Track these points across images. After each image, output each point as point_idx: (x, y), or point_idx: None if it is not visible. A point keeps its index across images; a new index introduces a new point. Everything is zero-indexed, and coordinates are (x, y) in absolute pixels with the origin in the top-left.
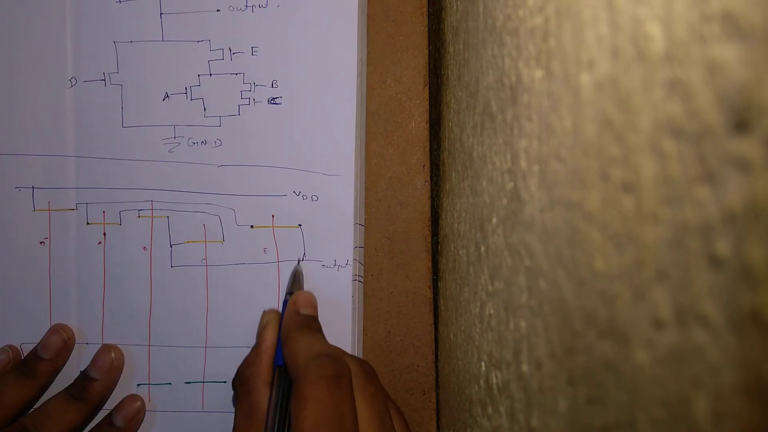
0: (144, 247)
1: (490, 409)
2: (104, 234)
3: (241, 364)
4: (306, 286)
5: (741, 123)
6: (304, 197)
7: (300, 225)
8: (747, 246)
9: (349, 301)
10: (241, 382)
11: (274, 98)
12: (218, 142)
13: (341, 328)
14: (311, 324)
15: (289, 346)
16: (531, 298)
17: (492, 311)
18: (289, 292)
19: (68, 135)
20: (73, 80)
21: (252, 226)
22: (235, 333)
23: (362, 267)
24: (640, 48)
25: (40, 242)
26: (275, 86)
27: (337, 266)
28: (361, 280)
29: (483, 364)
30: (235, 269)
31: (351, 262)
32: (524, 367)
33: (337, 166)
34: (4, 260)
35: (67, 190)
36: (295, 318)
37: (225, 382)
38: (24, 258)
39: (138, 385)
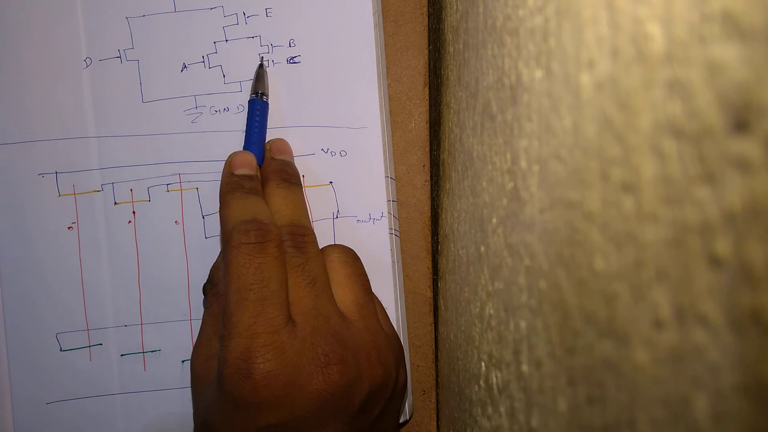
0: (176, 221)
1: (490, 409)
2: (133, 212)
3: (212, 268)
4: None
5: (741, 123)
6: (333, 154)
7: (331, 182)
8: (747, 246)
9: (387, 254)
10: (213, 284)
11: (292, 57)
12: (241, 108)
13: (383, 283)
14: (244, 185)
15: (221, 210)
16: (531, 298)
17: (492, 311)
18: (254, 92)
19: (88, 116)
20: (88, 60)
21: None
22: None
23: (397, 221)
24: (640, 48)
25: (68, 228)
26: (293, 45)
27: (372, 220)
28: (397, 234)
29: (483, 364)
30: None
31: (385, 215)
32: (524, 367)
33: (363, 118)
34: (32, 249)
35: (91, 172)
36: (228, 180)
37: None
38: (53, 245)
39: (183, 361)
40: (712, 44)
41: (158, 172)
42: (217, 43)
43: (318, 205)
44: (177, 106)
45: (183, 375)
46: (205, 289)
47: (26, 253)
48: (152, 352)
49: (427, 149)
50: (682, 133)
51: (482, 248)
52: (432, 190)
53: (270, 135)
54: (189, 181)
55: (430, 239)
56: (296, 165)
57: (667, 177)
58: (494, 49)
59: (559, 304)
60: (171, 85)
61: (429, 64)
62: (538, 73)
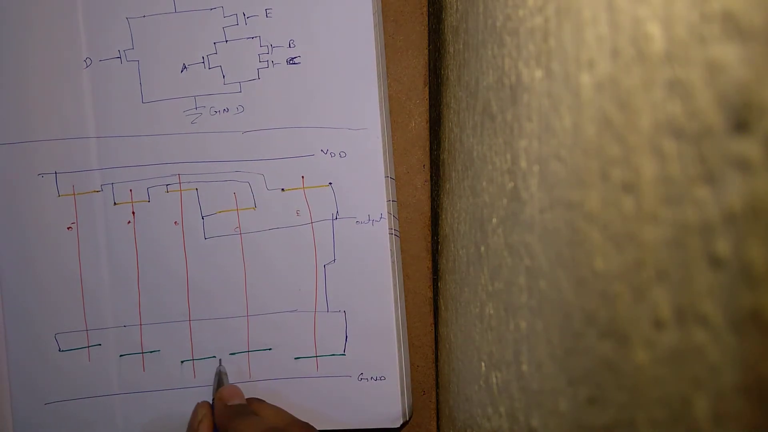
0: (175, 222)
1: (490, 409)
2: (133, 213)
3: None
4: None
5: (741, 123)
6: (332, 155)
7: (330, 183)
8: (747, 246)
9: (387, 255)
10: None
11: (292, 58)
12: (240, 108)
13: (382, 283)
14: (243, 411)
15: None
16: (531, 298)
17: (492, 311)
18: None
19: (88, 116)
20: (88, 60)
21: (283, 189)
22: (276, 298)
23: (397, 221)
24: (640, 48)
25: (68, 228)
26: (293, 46)
27: (371, 221)
28: (397, 234)
29: (483, 364)
30: (269, 234)
31: (385, 215)
32: (524, 368)
33: (362, 119)
34: (32, 249)
35: (90, 173)
36: (227, 411)
37: (270, 349)
38: (52, 245)
39: (182, 362)
40: (712, 44)
41: (158, 173)
42: (217, 44)
43: (317, 206)
44: (177, 106)
45: (182, 375)
46: None
47: (25, 253)
48: (151, 352)
49: (427, 149)
50: (682, 133)
51: (482, 248)
52: (432, 190)
53: (270, 135)
54: (188, 182)
55: (430, 239)
56: (296, 166)
57: (667, 177)
58: (494, 49)
59: (559, 304)
60: (171, 85)
61: (429, 64)
62: (538, 73)
